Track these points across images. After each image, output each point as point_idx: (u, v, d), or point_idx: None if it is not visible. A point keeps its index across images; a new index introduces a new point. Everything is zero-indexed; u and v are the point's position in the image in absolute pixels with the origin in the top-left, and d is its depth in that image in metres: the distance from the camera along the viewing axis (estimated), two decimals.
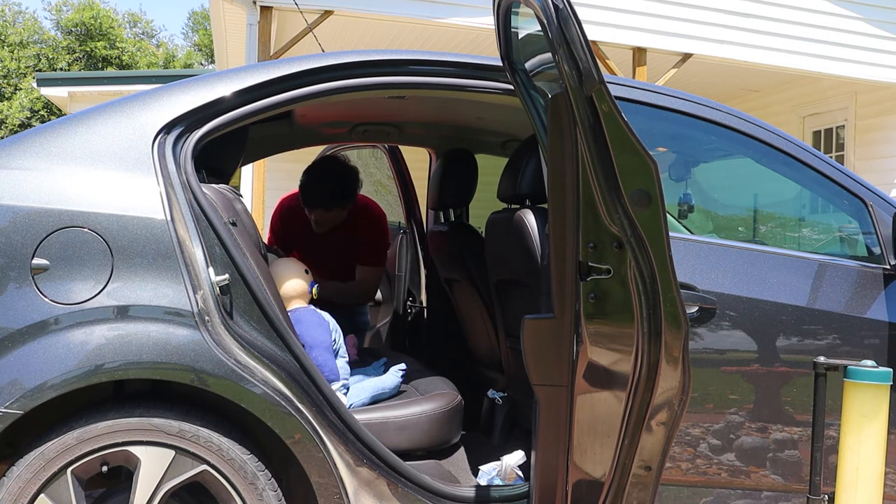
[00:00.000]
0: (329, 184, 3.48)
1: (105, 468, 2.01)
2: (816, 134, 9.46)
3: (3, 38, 26.05)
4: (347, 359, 2.83)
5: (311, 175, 3.52)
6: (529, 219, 2.56)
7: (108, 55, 26.78)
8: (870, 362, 2.20)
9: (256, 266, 2.26)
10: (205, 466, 2.03)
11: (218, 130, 2.27)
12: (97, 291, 2.01)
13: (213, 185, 2.50)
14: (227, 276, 2.09)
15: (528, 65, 2.40)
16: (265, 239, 3.84)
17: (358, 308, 3.97)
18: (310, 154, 4.84)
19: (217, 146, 2.45)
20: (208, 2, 10.08)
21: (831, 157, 6.68)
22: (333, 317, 2.91)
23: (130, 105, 2.22)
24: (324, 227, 3.62)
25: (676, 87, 3.91)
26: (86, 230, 2.03)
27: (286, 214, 3.82)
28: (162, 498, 2.00)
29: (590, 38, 2.64)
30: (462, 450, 2.78)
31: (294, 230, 3.76)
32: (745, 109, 3.06)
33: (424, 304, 4.08)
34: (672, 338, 1.91)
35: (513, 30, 2.42)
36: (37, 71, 24.38)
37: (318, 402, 2.13)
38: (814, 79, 8.47)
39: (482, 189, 3.54)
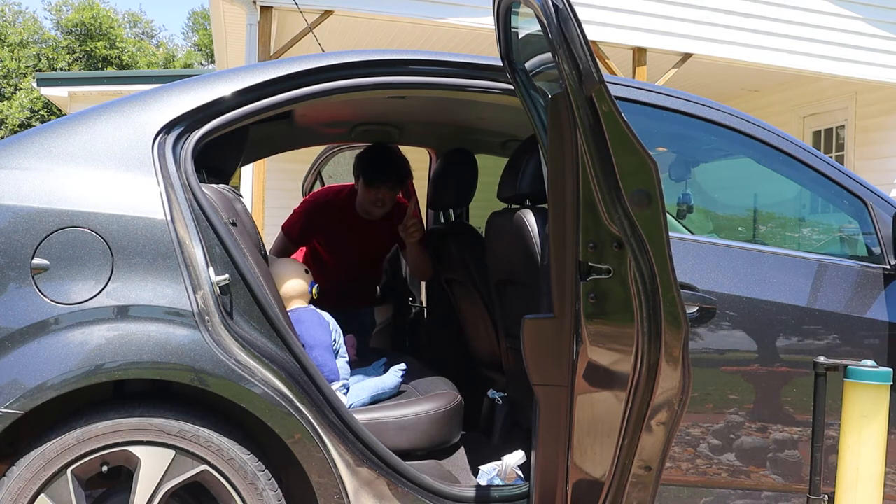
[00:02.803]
0: (400, 161, 3.57)
1: (105, 468, 2.01)
2: (816, 134, 9.46)
3: (3, 38, 26.05)
4: (347, 359, 2.83)
5: (381, 153, 3.57)
6: (529, 219, 2.57)
7: (108, 55, 26.78)
8: (870, 362, 2.20)
9: (256, 266, 2.26)
10: (205, 466, 2.03)
11: (218, 130, 2.27)
12: (97, 291, 2.01)
13: (213, 185, 2.50)
14: (227, 276, 2.09)
15: (528, 65, 2.40)
16: (280, 228, 3.82)
17: (364, 308, 3.98)
18: (310, 154, 4.85)
19: (217, 146, 2.45)
20: (208, 2, 10.08)
21: (831, 157, 6.68)
22: (342, 317, 2.91)
23: (130, 105, 2.22)
24: (385, 208, 3.63)
25: (676, 87, 3.91)
26: (86, 230, 2.03)
27: (319, 208, 3.78)
28: (162, 498, 2.00)
29: (590, 38, 2.64)
30: (462, 450, 2.78)
31: (328, 225, 3.75)
32: (745, 109, 3.05)
33: (424, 304, 4.08)
34: (672, 338, 1.91)
35: (513, 30, 2.42)
36: (37, 71, 24.39)
37: (318, 402, 2.13)
38: (814, 79, 8.47)
39: (482, 189, 3.54)
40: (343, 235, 3.72)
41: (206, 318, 2.03)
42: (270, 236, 4.05)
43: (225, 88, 2.27)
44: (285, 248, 3.72)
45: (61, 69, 25.03)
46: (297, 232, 3.73)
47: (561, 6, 1.92)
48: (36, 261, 1.99)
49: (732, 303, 2.35)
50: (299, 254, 3.87)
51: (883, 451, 2.19)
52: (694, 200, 3.94)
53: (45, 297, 1.98)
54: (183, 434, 2.01)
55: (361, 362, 3.15)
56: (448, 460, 2.68)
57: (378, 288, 4.15)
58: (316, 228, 3.73)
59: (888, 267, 2.51)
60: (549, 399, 2.10)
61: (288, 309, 2.75)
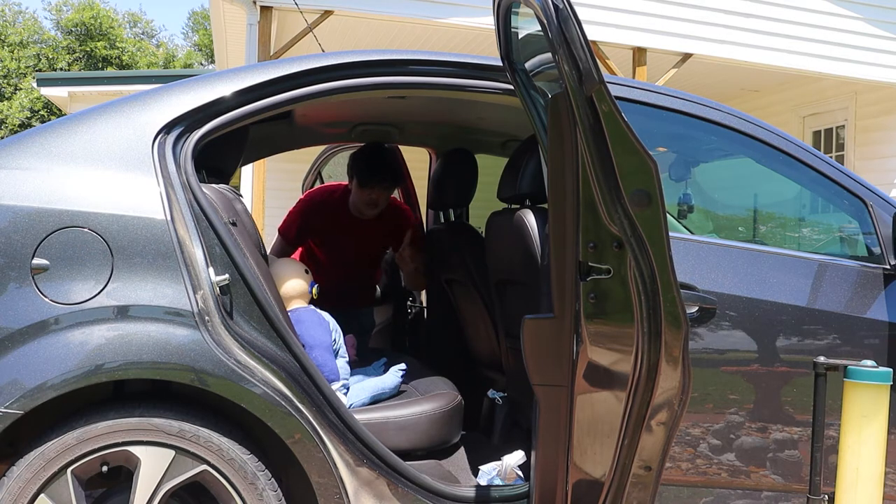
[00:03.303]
0: (394, 161, 3.58)
1: (105, 468, 2.01)
2: (816, 134, 9.46)
3: (3, 38, 26.05)
4: (347, 359, 2.83)
5: (374, 154, 3.56)
6: (529, 219, 2.57)
7: (108, 55, 26.78)
8: (870, 362, 2.20)
9: (256, 266, 2.26)
10: (205, 466, 2.03)
11: (218, 130, 2.27)
12: (97, 291, 2.01)
13: (213, 185, 2.50)
14: (227, 276, 2.09)
15: (528, 65, 2.40)
16: (277, 230, 3.82)
17: (364, 308, 3.97)
18: (310, 154, 4.85)
19: (217, 146, 2.45)
20: (208, 2, 10.08)
21: (831, 157, 6.68)
22: (341, 317, 2.91)
23: (130, 105, 2.22)
24: (378, 209, 3.65)
25: (676, 87, 3.91)
26: (86, 230, 2.03)
27: (314, 208, 3.79)
28: (162, 498, 2.00)
29: (590, 38, 2.64)
30: (462, 450, 2.78)
31: (322, 225, 3.75)
32: (745, 109, 3.05)
33: (424, 304, 4.08)
34: (672, 338, 1.91)
35: (513, 30, 2.42)
36: (37, 71, 24.39)
37: (318, 402, 2.13)
38: (814, 79, 8.47)
39: (482, 189, 3.54)
40: (338, 235, 3.72)
41: (206, 318, 2.03)
42: (270, 236, 4.04)
43: (225, 88, 2.27)
44: (283, 251, 3.72)
45: (61, 69, 25.03)
46: (294, 233, 3.74)
47: (561, 6, 1.92)
48: (36, 261, 1.99)
49: (732, 303, 2.35)
50: (295, 255, 3.87)
51: (883, 451, 2.19)
52: (694, 200, 3.94)
53: (45, 297, 1.98)
54: (183, 434, 2.01)
55: (361, 362, 3.15)
56: (448, 460, 2.68)
57: (378, 288, 4.15)
58: (311, 229, 3.73)
59: (888, 267, 2.51)
60: (549, 399, 2.10)
61: (288, 309, 2.75)
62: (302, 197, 3.90)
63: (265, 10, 6.54)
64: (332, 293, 3.54)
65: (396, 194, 4.27)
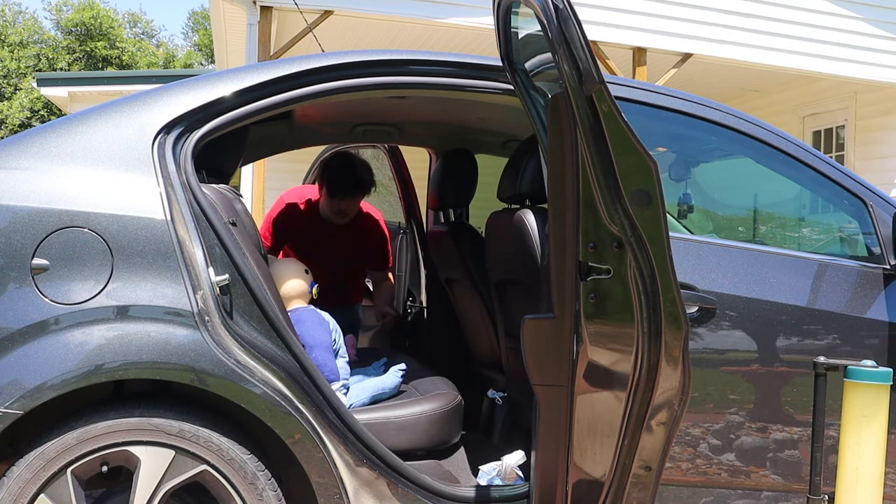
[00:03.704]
0: (362, 171, 3.62)
1: (105, 468, 2.01)
2: (816, 134, 9.46)
3: (3, 38, 26.05)
4: (347, 359, 2.83)
5: (343, 164, 3.60)
6: (529, 219, 2.57)
7: (108, 55, 26.79)
8: (870, 362, 2.20)
9: (256, 266, 2.26)
10: (205, 466, 2.03)
11: (218, 130, 2.27)
12: (97, 291, 2.01)
13: (213, 185, 2.50)
14: (227, 276, 2.09)
15: (528, 65, 2.40)
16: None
17: (352, 307, 3.97)
18: (310, 154, 4.85)
19: (217, 146, 2.45)
20: (208, 2, 10.08)
21: (831, 157, 6.68)
22: (337, 317, 2.91)
23: (130, 105, 2.22)
24: (348, 217, 3.71)
25: (676, 87, 3.91)
26: (86, 230, 2.03)
27: (288, 211, 3.82)
28: (162, 498, 2.00)
29: (590, 38, 2.64)
30: (462, 450, 2.78)
31: (295, 230, 3.77)
32: (745, 109, 3.05)
33: (424, 304, 4.08)
34: (672, 338, 1.91)
35: (513, 30, 2.42)
36: (37, 71, 24.39)
37: (318, 402, 2.13)
38: (814, 79, 8.47)
39: (482, 189, 3.54)
40: (313, 238, 3.74)
41: (206, 318, 2.03)
42: None
43: (225, 88, 2.27)
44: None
45: (61, 69, 25.03)
46: (271, 238, 3.79)
47: (561, 6, 1.92)
48: (36, 261, 1.99)
49: (732, 303, 2.35)
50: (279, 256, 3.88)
51: (883, 451, 2.19)
52: (694, 200, 3.94)
53: (45, 297, 1.98)
54: (183, 434, 2.01)
55: (361, 362, 3.15)
56: (448, 460, 2.68)
57: (371, 287, 4.15)
58: (287, 231, 3.77)
59: (888, 267, 2.51)
60: (549, 399, 2.10)
61: (288, 309, 2.75)
62: (277, 202, 3.93)
63: (265, 10, 6.54)
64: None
65: (396, 194, 4.27)
